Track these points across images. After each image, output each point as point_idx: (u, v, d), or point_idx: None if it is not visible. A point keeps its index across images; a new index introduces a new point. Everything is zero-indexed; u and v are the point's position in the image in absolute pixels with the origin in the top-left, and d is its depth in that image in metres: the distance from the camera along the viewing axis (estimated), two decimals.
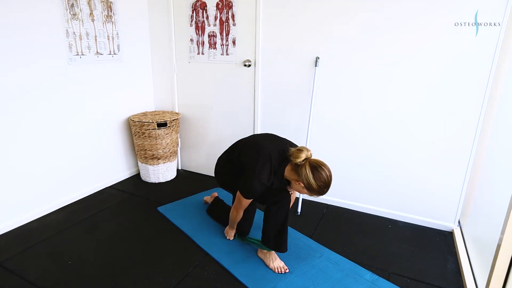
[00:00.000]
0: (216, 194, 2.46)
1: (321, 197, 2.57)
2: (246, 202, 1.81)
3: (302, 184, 1.64)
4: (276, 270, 1.78)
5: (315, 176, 1.58)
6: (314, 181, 1.59)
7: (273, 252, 1.83)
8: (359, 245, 2.06)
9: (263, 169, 1.68)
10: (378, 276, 1.76)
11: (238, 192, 1.80)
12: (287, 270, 1.78)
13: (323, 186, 1.60)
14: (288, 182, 1.77)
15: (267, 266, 1.81)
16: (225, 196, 2.50)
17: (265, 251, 1.85)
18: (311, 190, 1.62)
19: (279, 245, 1.80)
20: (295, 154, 1.64)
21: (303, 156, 1.63)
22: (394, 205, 2.37)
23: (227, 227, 2.09)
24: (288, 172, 1.70)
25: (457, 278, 1.78)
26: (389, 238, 2.14)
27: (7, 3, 1.92)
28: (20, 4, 1.97)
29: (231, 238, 2.06)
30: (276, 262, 1.81)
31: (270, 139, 1.86)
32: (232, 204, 2.03)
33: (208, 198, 2.46)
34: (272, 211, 1.78)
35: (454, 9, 1.90)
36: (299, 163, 1.63)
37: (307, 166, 1.60)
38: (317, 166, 1.60)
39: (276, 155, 1.71)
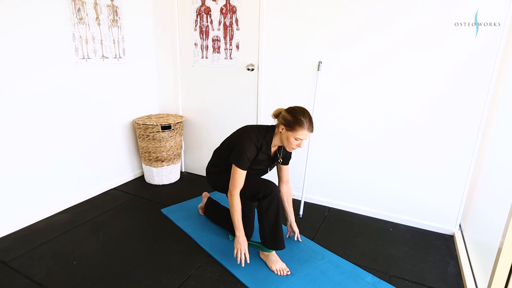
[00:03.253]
0: (207, 194, 2.47)
1: (322, 199, 2.60)
2: (240, 175, 1.78)
3: (283, 126, 1.75)
4: (278, 273, 1.79)
5: (287, 110, 1.77)
6: (288, 114, 1.74)
7: (274, 253, 1.85)
8: (361, 247, 2.07)
9: (252, 133, 1.83)
10: (379, 279, 1.77)
11: (231, 170, 1.80)
12: (289, 272, 1.80)
13: (299, 114, 1.72)
14: (278, 154, 1.94)
15: (270, 269, 1.83)
16: (223, 199, 2.51)
17: (266, 253, 1.87)
18: (291, 125, 1.72)
19: (276, 243, 1.82)
20: (273, 112, 1.87)
21: (279, 109, 1.85)
22: (395, 208, 2.38)
23: (235, 238, 1.83)
24: (275, 135, 1.85)
25: (458, 282, 1.79)
26: (390, 241, 2.16)
27: (16, 8, 1.96)
28: (28, 8, 2.02)
29: (245, 249, 1.79)
30: (278, 264, 1.82)
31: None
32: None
33: (202, 204, 2.44)
34: (264, 207, 1.81)
35: (454, 9, 1.92)
36: (277, 114, 1.85)
37: (283, 111, 1.81)
38: (290, 107, 1.80)
39: (261, 127, 1.90)
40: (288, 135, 1.74)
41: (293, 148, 1.79)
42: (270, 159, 1.94)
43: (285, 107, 2.47)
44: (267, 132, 1.85)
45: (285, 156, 2.00)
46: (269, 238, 1.83)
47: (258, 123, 2.70)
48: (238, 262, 1.80)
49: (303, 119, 1.70)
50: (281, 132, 1.78)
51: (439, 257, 2.00)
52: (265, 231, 1.84)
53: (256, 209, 1.92)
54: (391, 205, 2.39)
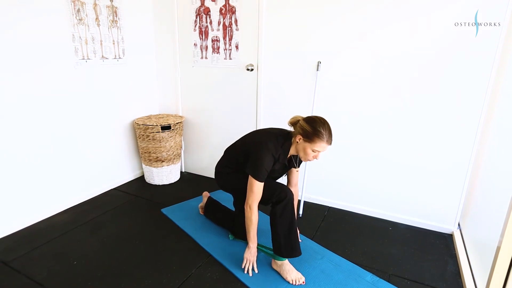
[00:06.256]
0: (207, 193, 2.46)
1: (322, 199, 2.61)
2: (258, 188, 1.72)
3: (301, 137, 1.69)
4: (294, 282, 1.72)
5: (306, 120, 1.71)
6: (307, 125, 1.67)
7: (287, 262, 1.79)
8: (360, 247, 2.08)
9: (269, 142, 1.75)
10: (378, 278, 1.78)
11: (248, 181, 1.74)
12: (304, 282, 1.73)
13: (318, 125, 1.66)
14: (294, 162, 1.86)
15: (285, 279, 1.75)
16: (223, 199, 2.52)
17: (279, 262, 1.79)
18: (309, 136, 1.66)
19: (292, 250, 1.75)
20: (290, 120, 1.80)
21: (296, 117, 1.78)
22: (394, 207, 2.39)
23: (246, 249, 1.83)
24: (292, 144, 1.78)
25: (457, 280, 1.80)
26: (389, 240, 2.16)
27: (16, 9, 1.97)
28: (28, 9, 2.02)
29: (254, 261, 1.82)
30: (293, 274, 1.74)
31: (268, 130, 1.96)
32: (237, 206, 2.05)
33: (202, 204, 2.43)
34: (278, 212, 1.76)
35: (454, 9, 1.92)
36: (294, 122, 1.77)
37: (301, 120, 1.74)
38: (309, 117, 1.73)
39: (278, 134, 1.81)
40: (305, 146, 1.68)
41: (308, 160, 1.72)
42: (285, 168, 1.91)
43: (285, 108, 2.49)
44: (284, 140, 1.77)
45: (297, 159, 1.94)
46: (283, 245, 1.75)
47: (258, 123, 2.70)
48: (245, 272, 1.79)
49: (322, 131, 1.64)
50: (297, 142, 1.72)
51: (438, 256, 2.00)
52: (279, 237, 1.76)
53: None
54: (390, 205, 2.40)
